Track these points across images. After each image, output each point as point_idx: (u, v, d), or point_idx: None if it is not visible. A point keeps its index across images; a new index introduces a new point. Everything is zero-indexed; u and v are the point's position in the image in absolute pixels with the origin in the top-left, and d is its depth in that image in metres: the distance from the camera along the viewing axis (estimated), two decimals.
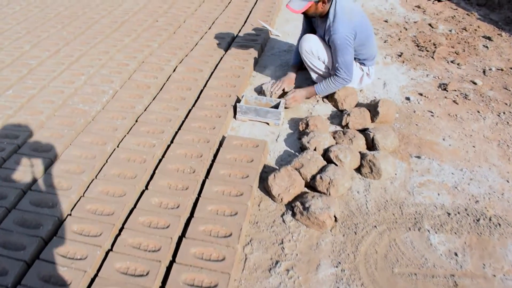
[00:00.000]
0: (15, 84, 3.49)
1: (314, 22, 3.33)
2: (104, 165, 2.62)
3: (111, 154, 2.72)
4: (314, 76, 3.39)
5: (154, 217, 2.27)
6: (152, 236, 2.16)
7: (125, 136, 2.87)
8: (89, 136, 2.86)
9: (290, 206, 2.45)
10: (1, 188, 2.45)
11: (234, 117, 3.21)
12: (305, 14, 3.06)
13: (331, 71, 3.24)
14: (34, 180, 2.54)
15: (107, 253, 2.10)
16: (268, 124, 3.16)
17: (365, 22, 3.18)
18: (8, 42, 4.14)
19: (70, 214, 2.30)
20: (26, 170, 2.58)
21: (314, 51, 3.18)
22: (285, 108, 3.25)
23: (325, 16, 3.06)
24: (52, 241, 2.14)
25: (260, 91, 3.47)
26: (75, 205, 2.37)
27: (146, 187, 2.49)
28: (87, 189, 2.46)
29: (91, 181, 2.51)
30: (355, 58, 3.27)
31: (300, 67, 3.52)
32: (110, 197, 2.40)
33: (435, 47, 4.15)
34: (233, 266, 2.03)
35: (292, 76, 3.44)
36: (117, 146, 2.79)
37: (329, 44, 3.10)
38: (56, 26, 4.49)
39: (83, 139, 2.83)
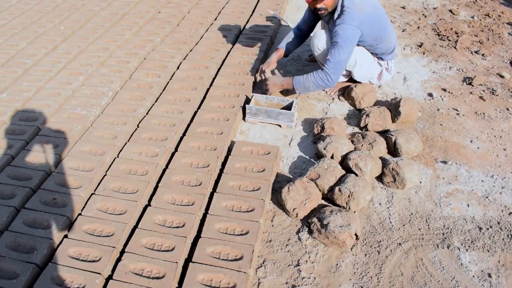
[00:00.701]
0: (10, 86, 3.28)
1: (324, 19, 3.05)
2: (103, 178, 2.43)
3: (111, 165, 2.52)
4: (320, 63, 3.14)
5: (157, 238, 2.08)
6: (156, 261, 1.97)
7: (125, 144, 2.66)
8: (87, 144, 2.66)
9: (306, 221, 2.25)
10: None
11: (244, 119, 2.99)
12: (320, 11, 2.79)
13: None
14: (28, 197, 2.34)
15: (107, 281, 1.92)
16: (280, 126, 2.93)
17: (378, 14, 2.88)
18: (3, 39, 3.93)
19: (67, 236, 2.11)
20: (19, 184, 2.39)
21: (326, 49, 2.93)
22: (267, 93, 3.06)
23: (334, 10, 2.81)
24: (47, 268, 1.95)
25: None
26: (71, 225, 2.18)
27: (149, 203, 2.29)
28: (84, 206, 2.27)
29: (89, 197, 2.32)
30: (372, 53, 3.00)
31: (287, 53, 3.23)
32: (110, 215, 2.21)
33: (458, 36, 3.85)
34: None
35: (272, 59, 3.12)
36: (117, 156, 2.58)
37: (332, 36, 2.81)
38: (53, 20, 4.26)
39: (80, 148, 2.63)
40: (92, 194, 2.34)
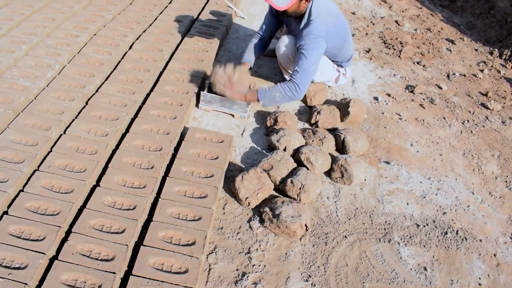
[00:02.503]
0: None
1: (286, 21, 3.07)
2: (48, 154, 2.29)
3: (57, 141, 2.38)
4: (287, 77, 3.15)
5: (107, 219, 2.01)
6: (104, 243, 1.90)
7: (73, 120, 2.53)
8: (30, 118, 2.49)
9: (257, 210, 2.29)
10: None
11: (197, 105, 2.96)
12: (282, 13, 2.80)
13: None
14: None
15: (51, 262, 1.82)
16: (233, 116, 2.94)
17: (341, 23, 2.95)
18: None
19: (7, 213, 1.97)
20: None
21: (292, 56, 2.96)
22: (214, 91, 2.87)
23: (300, 16, 2.81)
24: None
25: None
26: (12, 201, 2.04)
27: (98, 183, 2.20)
28: (27, 182, 2.13)
29: (32, 173, 2.18)
30: (332, 61, 3.09)
31: (251, 65, 3.10)
32: (55, 193, 2.09)
33: (402, 46, 4.09)
34: (197, 280, 1.84)
35: (244, 68, 2.96)
36: (64, 132, 2.45)
37: (298, 46, 2.78)
38: None
39: (23, 122, 2.46)
40: (36, 170, 2.20)
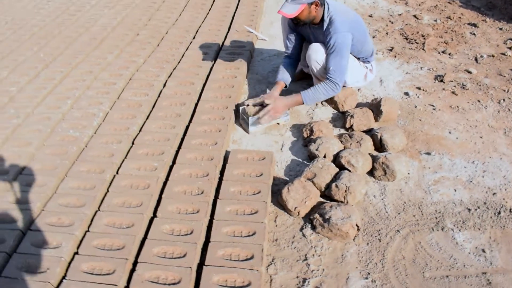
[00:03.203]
0: None
1: (306, 33, 3.18)
2: (105, 195, 2.47)
3: (111, 182, 2.57)
4: (316, 83, 3.22)
5: (168, 246, 2.14)
6: (169, 268, 2.03)
7: (123, 161, 2.72)
8: (84, 164, 2.70)
9: (308, 218, 2.36)
10: None
11: (247, 131, 3.09)
12: (297, 22, 2.94)
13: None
14: (32, 219, 2.36)
15: None
16: (278, 124, 3.11)
17: (359, 19, 3.09)
18: None
19: (77, 253, 2.15)
20: (21, 208, 2.41)
21: (321, 61, 3.05)
22: (259, 123, 3.03)
23: (320, 22, 2.95)
24: (62, 284, 1.99)
25: (241, 113, 3.12)
26: (81, 242, 2.22)
27: (155, 214, 2.36)
28: (91, 223, 2.31)
29: (94, 214, 2.36)
30: (358, 58, 3.19)
31: (287, 84, 3.23)
32: (118, 229, 2.26)
33: (424, 39, 4.11)
34: None
35: (273, 93, 3.09)
36: (117, 173, 2.64)
37: (327, 46, 2.95)
38: (32, 48, 4.28)
39: (78, 169, 2.67)
40: (97, 211, 2.38)
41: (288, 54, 3.28)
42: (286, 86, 3.22)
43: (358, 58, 3.20)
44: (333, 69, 2.91)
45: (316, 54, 3.04)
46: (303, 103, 3.03)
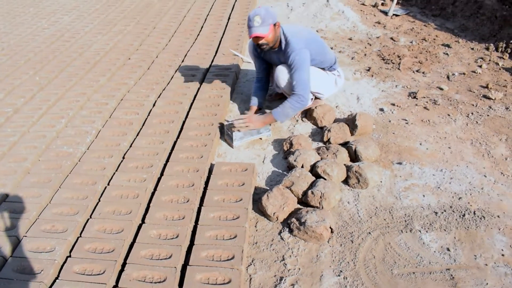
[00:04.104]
0: None
1: (269, 58, 3.44)
2: (97, 204, 2.64)
3: (103, 192, 2.73)
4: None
5: (155, 249, 2.30)
6: (156, 268, 2.18)
7: (114, 173, 2.89)
8: (78, 177, 2.87)
9: (286, 223, 2.52)
10: None
11: (231, 146, 3.28)
12: (263, 46, 3.12)
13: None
14: (28, 226, 2.51)
15: None
16: (261, 139, 3.32)
17: (312, 34, 3.35)
18: None
19: (70, 256, 2.30)
20: (18, 217, 2.56)
21: (289, 79, 3.28)
22: (235, 129, 3.22)
23: (279, 45, 3.20)
24: (55, 284, 2.13)
25: (226, 129, 3.33)
26: (73, 246, 2.37)
27: (143, 221, 2.51)
28: (83, 229, 2.47)
29: (87, 221, 2.52)
30: (323, 68, 3.42)
31: (260, 106, 3.53)
32: (108, 234, 2.42)
33: (400, 59, 4.37)
34: (240, 287, 2.07)
35: (252, 112, 3.44)
36: (108, 184, 2.80)
37: (289, 65, 3.18)
38: (27, 72, 4.49)
39: (72, 181, 2.84)
40: (89, 219, 2.54)
41: (258, 78, 3.58)
42: (260, 108, 3.55)
43: (323, 68, 3.44)
44: (296, 83, 3.14)
45: (282, 74, 3.29)
46: (276, 120, 3.26)
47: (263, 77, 3.59)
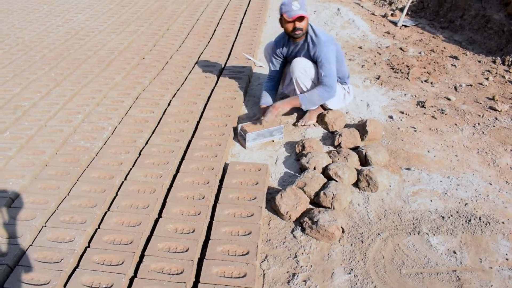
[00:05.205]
0: (11, 126, 3.55)
1: (291, 51, 3.51)
2: (115, 198, 2.72)
3: (120, 186, 2.82)
4: (299, 92, 3.53)
5: (172, 242, 2.38)
6: (173, 260, 2.26)
7: (131, 169, 2.98)
8: (95, 171, 2.95)
9: (298, 222, 2.61)
10: (13, 226, 2.51)
11: (244, 147, 3.37)
12: (297, 31, 3.23)
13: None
14: (47, 217, 2.60)
15: (131, 280, 2.19)
16: (273, 141, 3.41)
17: (335, 41, 3.48)
18: None
19: (89, 246, 2.38)
20: (37, 208, 2.64)
21: (307, 70, 3.36)
22: (264, 119, 3.34)
23: (305, 38, 3.33)
24: (75, 273, 2.21)
25: (239, 130, 3.43)
26: (92, 237, 2.45)
27: (159, 215, 2.60)
28: (101, 221, 2.55)
29: (105, 214, 2.60)
30: None
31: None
32: (126, 227, 2.50)
33: (409, 69, 4.48)
34: (255, 281, 2.15)
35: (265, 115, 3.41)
36: (125, 179, 2.89)
37: (314, 56, 3.31)
38: (43, 68, 4.58)
39: (89, 175, 2.92)
40: (107, 211, 2.62)
41: (271, 77, 3.68)
42: None
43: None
44: (325, 74, 3.28)
45: (299, 64, 3.38)
46: (300, 105, 3.39)
47: (275, 77, 3.69)
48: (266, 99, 3.61)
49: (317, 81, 3.41)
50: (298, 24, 3.20)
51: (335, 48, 3.31)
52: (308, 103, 3.38)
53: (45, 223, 2.54)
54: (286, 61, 3.65)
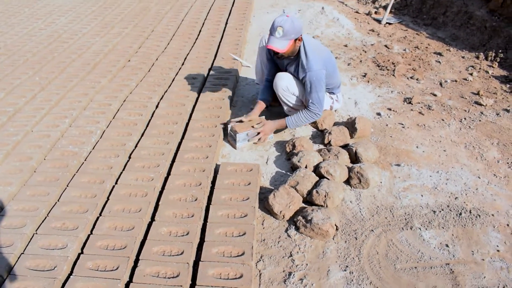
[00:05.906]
0: None
1: (280, 62, 3.47)
2: (106, 202, 2.69)
3: (111, 191, 2.79)
4: (285, 108, 3.54)
5: (166, 245, 2.36)
6: (169, 264, 2.25)
7: (121, 173, 2.95)
8: (85, 176, 2.91)
9: (292, 221, 2.62)
10: (3, 235, 2.46)
11: (234, 147, 3.36)
12: (280, 55, 3.18)
13: (304, 103, 3.39)
14: (38, 224, 2.56)
15: (127, 286, 2.17)
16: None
17: (329, 55, 3.40)
18: None
19: (82, 252, 2.35)
20: (27, 215, 2.60)
21: (289, 88, 3.34)
22: (255, 143, 3.40)
23: (295, 55, 3.23)
24: (69, 280, 2.18)
25: (229, 131, 3.43)
26: (85, 243, 2.42)
27: (153, 219, 2.58)
28: (94, 227, 2.52)
29: (97, 219, 2.57)
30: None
31: (267, 104, 3.56)
32: (119, 231, 2.47)
33: (394, 66, 4.52)
34: (251, 282, 2.15)
35: (257, 111, 3.47)
36: (116, 183, 2.86)
37: (302, 81, 3.25)
38: (27, 72, 4.50)
39: (80, 180, 2.88)
40: (99, 216, 2.59)
41: (267, 78, 3.61)
42: (267, 107, 3.57)
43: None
44: (312, 102, 3.24)
45: (281, 81, 3.34)
46: (287, 127, 3.40)
47: (273, 79, 3.58)
48: (264, 95, 3.55)
49: (302, 96, 3.37)
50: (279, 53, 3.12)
51: (324, 73, 3.20)
52: (294, 125, 3.40)
53: (36, 230, 2.50)
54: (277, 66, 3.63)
